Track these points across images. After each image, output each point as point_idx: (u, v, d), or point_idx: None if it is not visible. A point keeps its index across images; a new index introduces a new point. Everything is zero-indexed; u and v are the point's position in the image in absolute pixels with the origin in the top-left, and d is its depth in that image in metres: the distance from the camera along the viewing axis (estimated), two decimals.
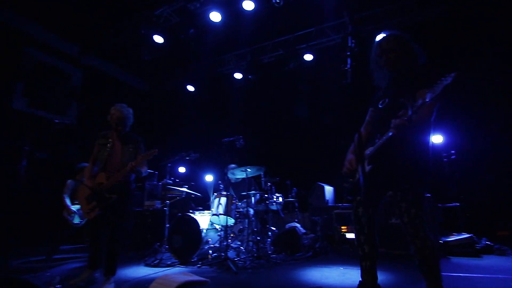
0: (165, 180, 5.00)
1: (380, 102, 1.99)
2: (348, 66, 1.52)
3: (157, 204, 5.14)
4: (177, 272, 1.88)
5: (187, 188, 4.47)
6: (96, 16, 5.90)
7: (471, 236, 3.67)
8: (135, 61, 7.07)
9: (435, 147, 5.32)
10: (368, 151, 1.91)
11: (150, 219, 4.92)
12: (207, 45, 6.63)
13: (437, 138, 5.32)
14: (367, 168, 1.85)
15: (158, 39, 5.99)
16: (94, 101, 6.87)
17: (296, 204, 5.30)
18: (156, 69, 7.83)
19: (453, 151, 4.99)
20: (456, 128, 5.28)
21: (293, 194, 5.48)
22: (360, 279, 1.93)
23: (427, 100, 1.44)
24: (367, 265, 1.89)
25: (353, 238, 4.14)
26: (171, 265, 3.59)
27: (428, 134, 1.84)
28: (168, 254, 3.89)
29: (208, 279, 1.47)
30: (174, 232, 3.89)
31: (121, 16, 5.98)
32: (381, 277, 2.76)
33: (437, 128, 5.37)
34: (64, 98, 6.54)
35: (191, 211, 4.27)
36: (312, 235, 4.75)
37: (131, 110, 3.12)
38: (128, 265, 3.68)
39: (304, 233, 4.43)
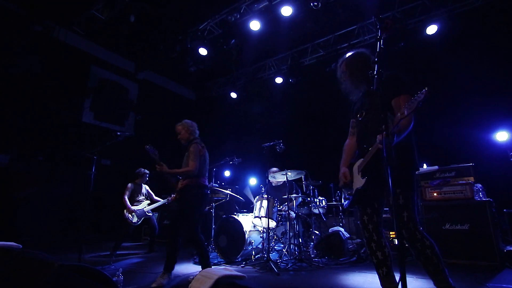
0: (211, 183, 5.33)
1: (358, 115, 2.08)
2: (375, 72, 1.55)
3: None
4: (220, 268, 2.06)
5: (231, 191, 4.70)
6: (148, 34, 6.57)
7: None
8: (183, 73, 7.66)
9: (499, 145, 4.79)
10: (358, 163, 2.01)
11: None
12: (248, 52, 6.90)
13: (501, 135, 4.79)
14: (362, 180, 1.92)
15: (203, 51, 6.42)
16: (148, 111, 7.61)
17: (341, 208, 5.21)
18: (201, 79, 8.37)
19: None
20: None
21: (337, 197, 5.40)
22: (382, 286, 1.95)
23: (405, 114, 1.48)
24: (384, 271, 1.92)
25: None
26: (217, 264, 3.84)
27: (411, 138, 1.90)
28: (214, 254, 4.15)
29: (245, 275, 1.61)
30: (219, 232, 4.14)
31: (170, 33, 6.55)
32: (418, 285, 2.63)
33: (503, 124, 4.83)
34: (123, 110, 7.38)
35: (235, 213, 4.49)
36: (358, 240, 4.62)
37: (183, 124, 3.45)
38: (179, 263, 4.02)
39: (348, 238, 4.34)
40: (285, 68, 7.31)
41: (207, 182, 3.24)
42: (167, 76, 8.37)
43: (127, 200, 4.84)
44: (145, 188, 5.20)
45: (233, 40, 6.08)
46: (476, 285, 2.58)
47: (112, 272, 2.56)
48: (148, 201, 5.10)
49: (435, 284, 1.78)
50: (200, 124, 9.11)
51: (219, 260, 3.99)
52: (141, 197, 5.07)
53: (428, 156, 4.55)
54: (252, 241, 4.08)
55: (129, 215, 4.76)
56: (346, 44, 6.49)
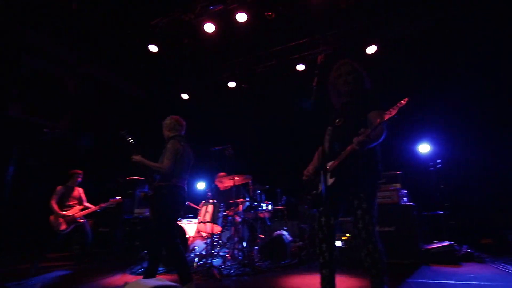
0: None
1: (337, 121, 2.18)
2: (314, 84, 1.64)
3: (147, 211, 5.19)
4: (154, 279, 1.95)
5: None
6: (94, 24, 6.07)
7: (452, 243, 3.74)
8: (132, 69, 7.23)
9: (422, 157, 5.44)
10: (329, 164, 2.08)
11: (140, 226, 4.98)
12: (201, 54, 6.81)
13: (424, 148, 5.44)
14: (330, 180, 2.01)
15: (153, 48, 6.15)
16: (89, 109, 7.00)
17: (286, 212, 5.38)
18: (152, 77, 7.98)
19: (439, 160, 5.10)
20: (443, 137, 5.41)
21: (283, 202, 5.57)
22: (321, 286, 2.04)
23: (385, 120, 1.64)
24: (327, 272, 2.01)
25: (340, 246, 4.20)
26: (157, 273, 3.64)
27: (378, 150, 2.05)
28: None
29: (179, 285, 1.55)
30: None
31: (119, 25, 6.14)
32: (347, 284, 2.84)
33: (425, 137, 5.50)
34: (59, 106, 6.66)
35: (179, 218, 4.33)
36: (300, 243, 4.81)
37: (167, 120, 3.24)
38: (113, 273, 3.72)
39: (291, 241, 4.49)
40: (238, 73, 7.36)
41: (184, 184, 2.93)
42: (114, 72, 7.80)
43: (54, 204, 4.35)
44: (78, 191, 4.74)
45: (185, 40, 5.94)
46: (399, 282, 2.86)
47: None
48: (81, 206, 4.65)
49: (372, 287, 1.89)
50: (149, 125, 8.62)
51: (159, 268, 3.79)
52: (73, 202, 4.60)
53: None
54: (196, 247, 3.97)
55: (57, 221, 4.28)
56: (297, 55, 6.79)
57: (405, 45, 5.62)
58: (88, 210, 4.64)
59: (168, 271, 3.69)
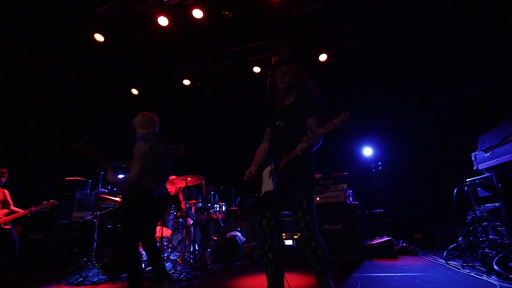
0: (98, 189, 4.65)
1: (277, 123, 2.26)
2: (267, 84, 1.65)
3: (88, 215, 4.73)
4: None
5: (121, 197, 4.20)
6: (29, 5, 5.34)
7: (391, 239, 4.09)
8: (73, 59, 6.54)
9: (365, 159, 5.88)
10: (270, 168, 2.14)
11: (79, 232, 4.50)
12: (154, 48, 6.45)
13: (367, 151, 5.89)
14: (271, 183, 2.07)
15: (99, 37, 5.65)
16: (17, 101, 6.15)
17: (240, 213, 5.36)
18: (96, 69, 7.32)
19: (380, 163, 5.56)
20: (385, 142, 5.91)
21: (237, 203, 5.54)
22: (267, 284, 2.09)
23: (325, 130, 1.78)
24: (272, 270, 2.07)
25: (290, 245, 4.31)
26: (97, 283, 3.32)
27: (313, 153, 2.21)
28: (95, 270, 3.59)
29: None
30: (103, 245, 3.61)
31: (59, 8, 5.50)
32: (297, 282, 2.93)
33: (369, 142, 5.96)
34: None
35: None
36: (254, 243, 4.82)
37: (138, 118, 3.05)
38: (46, 285, 3.30)
39: (244, 242, 4.47)
40: (193, 72, 7.14)
41: (159, 186, 2.75)
42: (50, 60, 6.95)
43: None
44: (2, 193, 4.12)
45: (136, 32, 5.57)
46: (344, 277, 3.02)
47: None
48: (6, 211, 4.05)
49: (317, 284, 1.98)
50: (92, 121, 7.93)
51: (101, 277, 3.47)
52: None
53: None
54: (143, 252, 3.71)
55: None
56: (253, 58, 6.82)
57: (353, 55, 6.02)
58: (15, 215, 4.06)
59: (111, 280, 3.38)
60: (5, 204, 4.14)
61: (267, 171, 2.20)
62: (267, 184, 2.14)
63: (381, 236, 4.40)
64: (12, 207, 4.20)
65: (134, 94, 7.28)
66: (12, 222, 4.12)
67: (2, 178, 4.12)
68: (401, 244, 4.22)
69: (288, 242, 4.37)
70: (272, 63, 1.73)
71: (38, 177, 5.86)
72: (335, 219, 4.11)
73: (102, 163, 2.73)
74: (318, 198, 4.32)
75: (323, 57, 6.07)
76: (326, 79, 6.32)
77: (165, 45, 6.36)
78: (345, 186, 4.47)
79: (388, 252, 3.95)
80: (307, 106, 2.14)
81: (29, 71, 6.56)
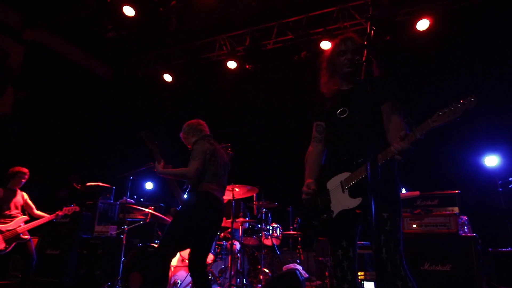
0: (124, 198, 5.03)
1: (338, 112, 2.18)
2: (363, 58, 1.61)
3: (112, 230, 5.13)
4: None
5: (154, 210, 4.49)
6: None
7: None
8: (96, 39, 7.21)
9: (487, 173, 5.40)
10: (341, 177, 2.06)
11: (102, 249, 4.92)
12: (193, 22, 6.79)
13: (491, 160, 5.41)
14: (354, 200, 1.97)
15: (129, 10, 6.13)
16: (38, 87, 6.96)
17: (300, 240, 5.33)
18: (123, 51, 7.96)
19: (511, 179, 5.06)
20: None
21: (297, 225, 5.52)
22: None
23: (437, 123, 1.62)
24: None
25: None
26: None
27: None
28: None
29: None
30: (131, 268, 3.90)
31: None
32: None
33: (493, 147, 5.47)
34: None
35: (156, 241, 4.28)
36: (318, 282, 4.77)
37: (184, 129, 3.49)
38: None
39: (307, 279, 4.45)
40: (241, 50, 7.33)
41: (219, 193, 3.10)
42: (71, 41, 7.77)
43: None
44: (22, 197, 4.68)
45: (173, 2, 5.93)
46: None
47: None
48: (25, 217, 4.59)
49: None
50: (116, 114, 8.65)
51: None
52: (14, 211, 4.54)
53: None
54: (178, 280, 3.93)
55: None
56: (321, 29, 6.76)
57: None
58: (39, 221, 4.59)
59: None
60: (24, 210, 4.70)
61: (334, 182, 2.14)
62: (340, 200, 2.09)
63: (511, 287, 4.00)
64: (36, 212, 4.73)
65: (168, 81, 7.72)
66: (30, 232, 4.66)
67: (22, 180, 4.68)
68: None
69: (369, 286, 4.23)
70: (368, 31, 1.67)
71: (56, 180, 6.54)
72: (441, 257, 3.85)
73: (159, 158, 3.12)
74: (415, 226, 4.10)
75: (423, 24, 5.75)
76: (426, 56, 6.01)
77: (207, 17, 6.66)
78: (456, 210, 4.17)
79: None
80: (379, 87, 1.99)
81: (49, 54, 7.41)
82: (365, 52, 1.65)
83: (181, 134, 3.46)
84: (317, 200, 2.18)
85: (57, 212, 4.61)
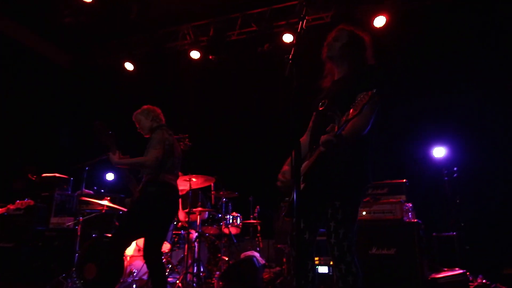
0: (82, 189, 4.98)
1: (320, 104, 2.24)
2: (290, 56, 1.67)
3: (68, 221, 5.07)
4: None
5: (110, 201, 4.47)
6: None
7: (465, 272, 4.01)
8: (53, 25, 6.98)
9: (435, 162, 5.73)
10: (303, 165, 2.13)
11: (57, 241, 4.86)
12: (155, 11, 6.71)
13: (438, 151, 5.74)
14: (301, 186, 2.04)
15: None
16: None
17: (259, 228, 5.48)
18: (82, 38, 7.73)
19: (455, 169, 5.40)
20: (463, 140, 5.71)
21: (256, 214, 5.66)
22: None
23: (356, 112, 1.64)
24: None
25: (324, 272, 4.37)
26: None
27: (366, 145, 2.10)
28: None
29: None
30: (86, 259, 3.90)
31: None
32: None
33: (440, 139, 5.80)
34: None
35: (113, 231, 4.29)
36: (277, 268, 4.93)
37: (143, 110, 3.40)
38: None
39: (263, 265, 4.59)
40: (204, 40, 7.32)
41: (176, 183, 3.17)
42: (27, 26, 7.45)
43: None
44: None
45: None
46: None
47: None
48: None
49: None
50: (74, 104, 8.43)
51: None
52: None
53: None
54: (134, 270, 3.97)
55: None
56: (284, 22, 6.85)
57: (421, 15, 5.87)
58: None
59: None
60: None
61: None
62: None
63: (451, 268, 4.32)
64: None
65: (129, 71, 7.59)
66: None
67: None
68: (479, 280, 4.13)
69: (323, 269, 4.43)
70: (299, 30, 1.75)
71: (11, 171, 6.33)
72: (386, 242, 4.09)
73: (115, 148, 3.07)
74: (364, 213, 4.32)
75: (380, 21, 5.98)
76: (382, 52, 6.25)
77: (170, 6, 6.60)
78: (403, 198, 4.42)
79: None
80: (362, 77, 2.05)
81: (1, 39, 7.09)
82: (292, 50, 1.71)
83: (135, 115, 3.38)
84: (291, 185, 2.18)
85: (8, 206, 4.51)
